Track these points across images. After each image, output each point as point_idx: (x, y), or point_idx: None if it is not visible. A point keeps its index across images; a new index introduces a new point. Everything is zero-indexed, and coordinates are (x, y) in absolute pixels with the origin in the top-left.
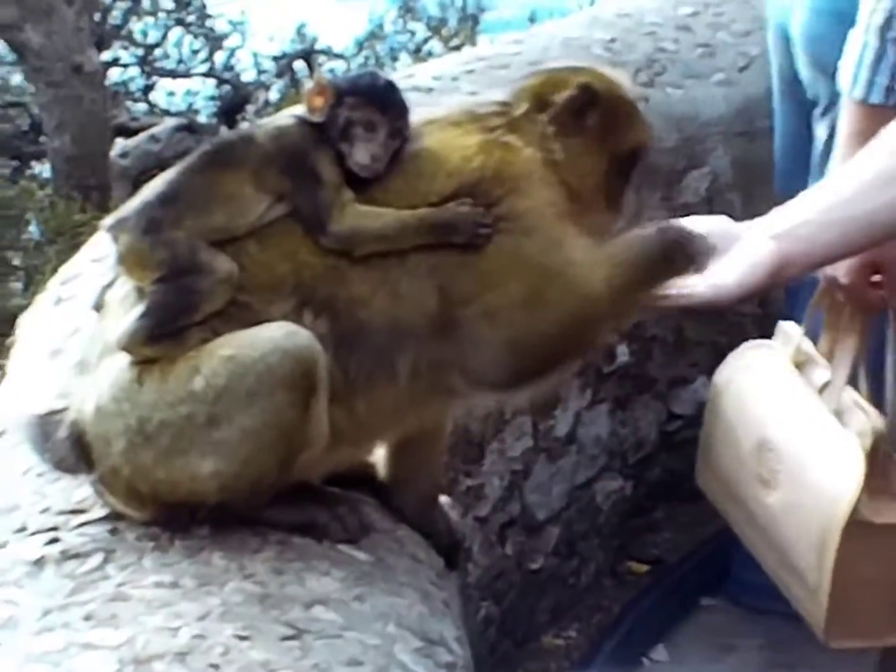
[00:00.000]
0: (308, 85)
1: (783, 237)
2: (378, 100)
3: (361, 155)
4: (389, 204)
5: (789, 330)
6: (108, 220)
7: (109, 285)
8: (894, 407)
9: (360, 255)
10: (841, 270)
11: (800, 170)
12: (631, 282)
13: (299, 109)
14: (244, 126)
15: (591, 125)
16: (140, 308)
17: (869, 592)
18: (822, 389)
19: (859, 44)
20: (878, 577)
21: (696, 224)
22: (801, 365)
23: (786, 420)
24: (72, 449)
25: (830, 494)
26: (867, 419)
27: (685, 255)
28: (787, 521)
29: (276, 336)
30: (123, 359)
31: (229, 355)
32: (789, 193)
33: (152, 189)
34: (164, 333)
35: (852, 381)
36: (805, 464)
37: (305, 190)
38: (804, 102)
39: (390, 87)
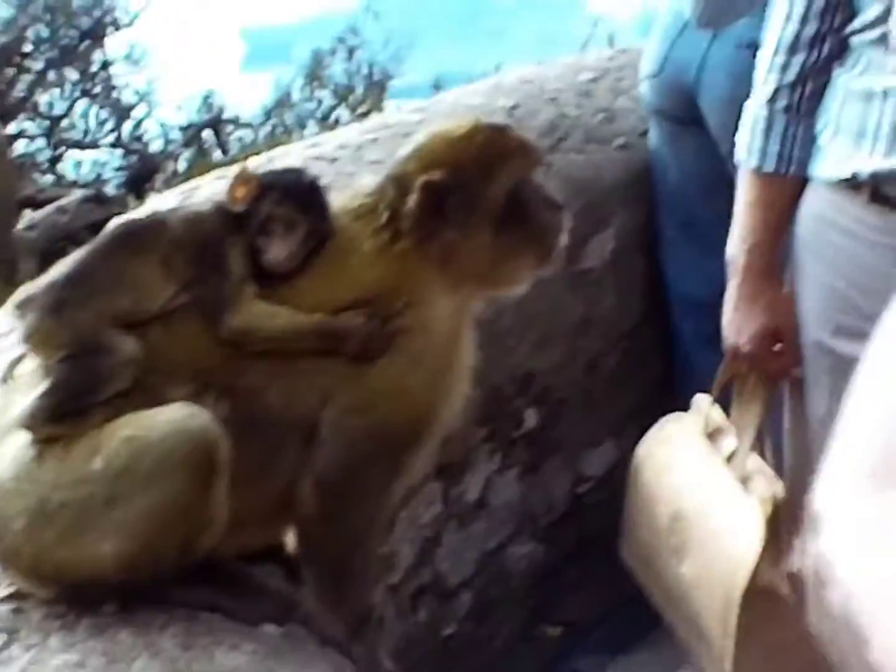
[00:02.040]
0: (232, 175)
1: None
2: (301, 199)
3: (277, 252)
4: (294, 303)
5: (701, 401)
6: (15, 297)
7: (18, 360)
8: (793, 473)
9: (266, 349)
10: (744, 339)
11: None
12: None
13: (211, 185)
14: (158, 204)
15: (454, 210)
16: (43, 386)
17: (774, 660)
18: (730, 457)
19: (752, 114)
20: (782, 643)
21: None
22: (712, 434)
23: (695, 490)
24: None
25: (733, 562)
26: (768, 485)
27: None
28: (697, 590)
29: (176, 417)
30: (25, 436)
31: (129, 436)
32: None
33: (61, 269)
34: (66, 412)
35: (758, 448)
36: (711, 532)
37: (210, 280)
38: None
39: (314, 187)
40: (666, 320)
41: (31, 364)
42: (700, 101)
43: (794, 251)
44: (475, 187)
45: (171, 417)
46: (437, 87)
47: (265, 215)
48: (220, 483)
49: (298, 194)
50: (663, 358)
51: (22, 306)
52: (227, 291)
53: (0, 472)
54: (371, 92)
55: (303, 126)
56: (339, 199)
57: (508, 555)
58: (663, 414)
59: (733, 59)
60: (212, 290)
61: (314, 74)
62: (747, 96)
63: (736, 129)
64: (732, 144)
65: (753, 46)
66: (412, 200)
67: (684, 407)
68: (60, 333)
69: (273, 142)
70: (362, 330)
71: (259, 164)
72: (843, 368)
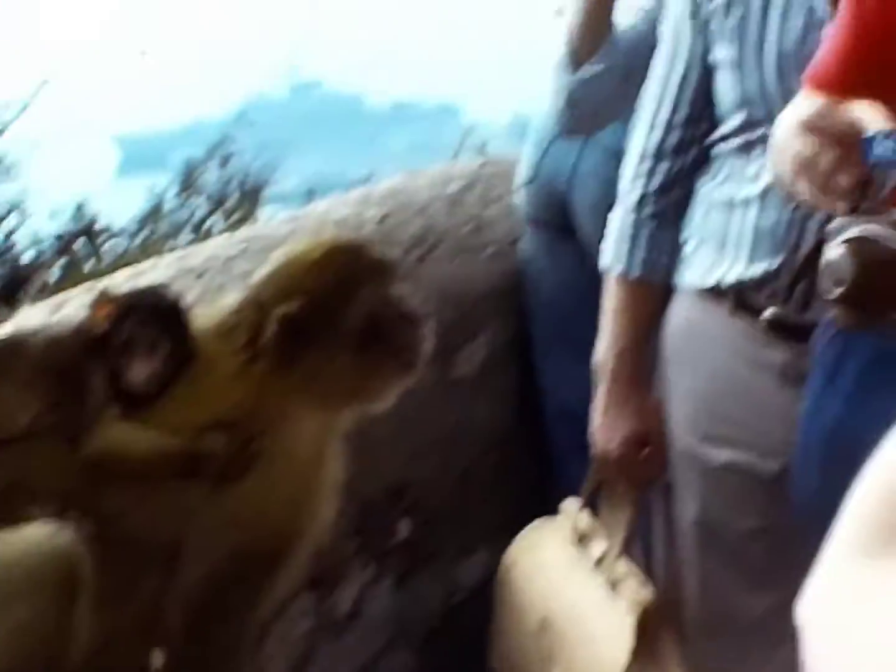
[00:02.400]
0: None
1: None
2: (162, 319)
3: (138, 373)
4: (157, 425)
5: (569, 506)
6: None
7: None
8: (663, 578)
9: (128, 471)
10: (612, 444)
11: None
12: None
13: (81, 297)
14: (27, 317)
15: (314, 336)
16: None
17: None
18: (599, 562)
19: (618, 221)
20: None
21: None
22: (581, 539)
23: (564, 595)
24: None
25: (603, 667)
26: (638, 589)
27: None
28: None
29: (36, 537)
30: None
31: None
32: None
33: None
34: None
35: (628, 553)
36: (581, 638)
37: (71, 403)
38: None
39: (176, 307)
40: (540, 428)
41: None
42: (573, 209)
43: (662, 357)
44: (334, 312)
45: (31, 536)
46: (310, 194)
47: (126, 337)
48: (81, 603)
49: (160, 315)
50: (538, 466)
51: None
52: (88, 414)
53: None
54: (245, 200)
55: (177, 234)
56: (201, 318)
57: (381, 667)
58: (535, 518)
59: (604, 165)
60: (72, 413)
61: (188, 182)
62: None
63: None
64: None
65: (623, 153)
66: (270, 331)
67: (553, 511)
68: None
69: (146, 250)
70: (223, 452)
71: (128, 276)
72: (711, 475)
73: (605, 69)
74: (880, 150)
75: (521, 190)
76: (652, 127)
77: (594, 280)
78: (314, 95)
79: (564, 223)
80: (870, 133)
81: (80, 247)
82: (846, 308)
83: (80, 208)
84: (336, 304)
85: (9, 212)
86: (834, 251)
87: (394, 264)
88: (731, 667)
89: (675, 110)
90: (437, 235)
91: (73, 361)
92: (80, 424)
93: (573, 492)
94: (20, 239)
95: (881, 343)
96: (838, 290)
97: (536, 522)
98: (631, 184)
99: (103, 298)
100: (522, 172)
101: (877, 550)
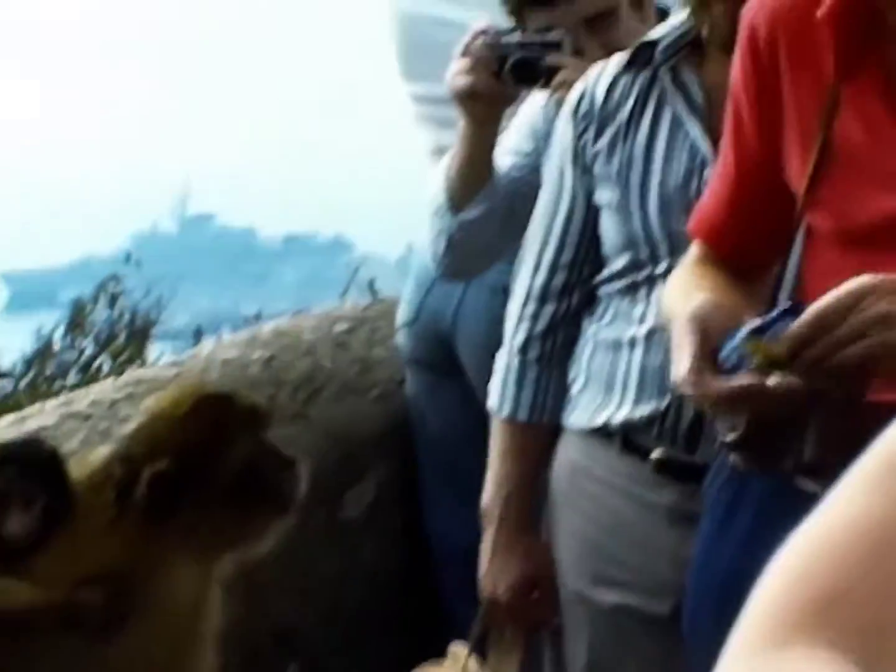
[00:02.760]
0: None
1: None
2: (39, 472)
3: (14, 526)
4: (34, 578)
5: (457, 650)
6: None
7: None
8: None
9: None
10: (501, 589)
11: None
12: None
13: None
14: None
15: (186, 491)
16: None
17: None
18: None
19: (504, 364)
20: None
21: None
22: None
23: None
24: None
25: None
26: None
27: None
28: None
29: None
30: None
31: None
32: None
33: None
34: None
35: None
36: None
37: None
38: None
39: (53, 459)
40: (429, 569)
41: None
42: (457, 348)
43: (550, 499)
44: (206, 465)
45: None
46: (199, 332)
47: (2, 489)
48: None
49: (37, 467)
50: (428, 607)
51: None
52: None
53: None
54: (133, 339)
55: (65, 375)
56: (77, 469)
57: None
58: (424, 660)
59: (489, 304)
60: None
61: (76, 322)
62: (502, 341)
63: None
64: (486, 392)
65: (508, 291)
66: (140, 491)
67: (442, 654)
68: None
69: (33, 392)
70: (99, 606)
71: (13, 421)
72: (602, 618)
73: (485, 212)
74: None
75: (404, 330)
76: (536, 268)
77: (480, 419)
78: (205, 229)
79: (448, 363)
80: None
81: None
82: (741, 452)
83: None
84: (207, 457)
85: None
86: None
87: (265, 410)
88: None
89: (559, 252)
90: (323, 377)
91: None
92: None
93: (462, 634)
94: None
95: (774, 485)
96: (732, 435)
97: (424, 666)
98: (516, 326)
99: None
100: (404, 313)
101: (781, 639)
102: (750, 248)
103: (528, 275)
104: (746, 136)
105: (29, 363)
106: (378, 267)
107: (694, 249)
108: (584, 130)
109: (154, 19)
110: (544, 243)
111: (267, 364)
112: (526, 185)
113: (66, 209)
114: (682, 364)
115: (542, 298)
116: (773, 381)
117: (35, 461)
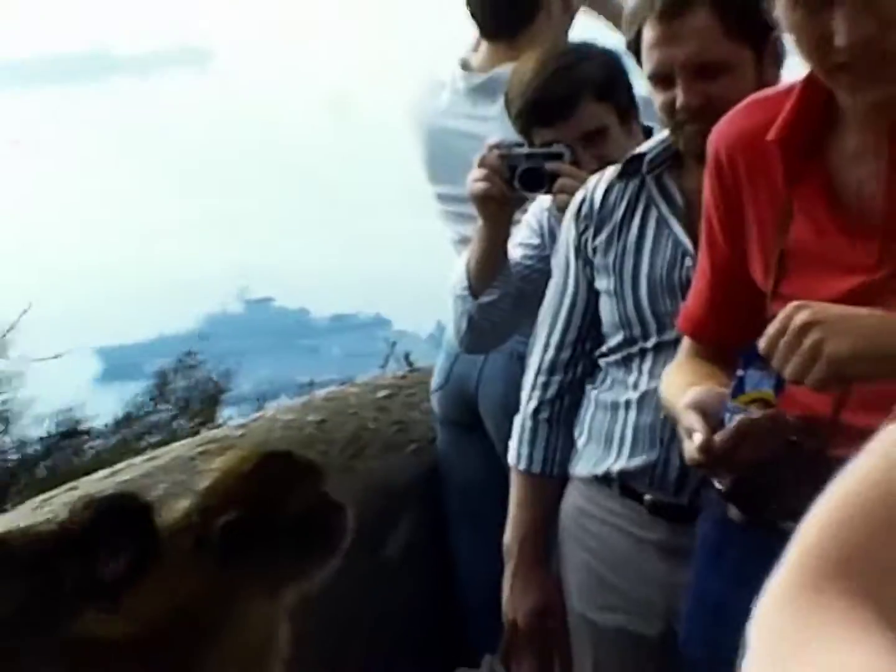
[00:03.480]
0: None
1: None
2: (131, 521)
3: (109, 570)
4: (126, 614)
5: (487, 661)
6: None
7: None
8: None
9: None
10: (519, 615)
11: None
12: None
13: (65, 496)
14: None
15: (255, 536)
16: None
17: None
18: None
19: (520, 425)
20: None
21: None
22: None
23: None
24: None
25: None
26: None
27: None
28: None
29: None
30: None
31: None
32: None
33: None
34: None
35: None
36: None
37: (49, 593)
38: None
39: (144, 510)
40: (459, 601)
41: None
42: (480, 409)
43: (560, 537)
44: (270, 514)
45: None
46: (261, 398)
47: (100, 537)
48: None
49: (129, 517)
50: (458, 633)
51: None
52: (66, 604)
53: None
54: (206, 404)
55: (149, 434)
56: (163, 519)
57: None
58: None
59: (506, 370)
60: (53, 603)
61: (159, 390)
62: (519, 402)
63: (510, 431)
64: (506, 447)
65: (523, 358)
66: (214, 538)
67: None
68: None
69: (122, 449)
70: (180, 637)
71: (106, 475)
72: (603, 638)
73: (500, 296)
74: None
75: (435, 395)
76: (546, 346)
77: (500, 470)
78: (265, 311)
79: (473, 421)
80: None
81: (65, 447)
82: (733, 502)
83: (65, 413)
84: (271, 507)
85: (3, 417)
86: None
87: (319, 465)
88: None
89: (565, 332)
90: (367, 435)
91: (51, 557)
92: (58, 613)
93: (488, 649)
94: (8, 441)
95: (758, 534)
96: (722, 486)
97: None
98: (529, 394)
99: (81, 503)
100: (436, 379)
101: (822, 585)
102: (728, 336)
103: (539, 351)
104: (718, 244)
105: (119, 424)
106: (412, 341)
107: (684, 344)
108: (585, 229)
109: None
110: (553, 324)
111: (319, 425)
112: (534, 272)
113: (149, 293)
114: (696, 438)
115: (551, 370)
116: (757, 413)
117: (128, 512)
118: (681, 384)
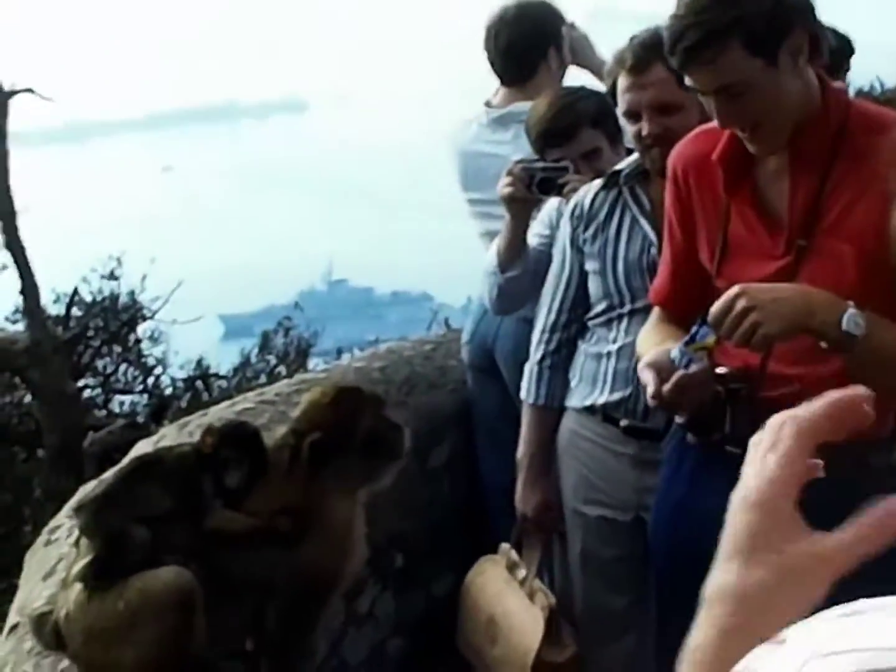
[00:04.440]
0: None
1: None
2: (246, 444)
3: (232, 480)
4: (247, 510)
5: (504, 546)
6: (75, 499)
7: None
8: (560, 591)
9: (229, 539)
10: (529, 508)
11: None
12: None
13: (197, 421)
14: (167, 434)
15: (334, 451)
16: (89, 557)
17: None
18: (522, 581)
19: (529, 370)
20: None
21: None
22: (510, 567)
23: (501, 602)
24: (52, 638)
25: (525, 647)
26: (546, 598)
27: None
28: (504, 665)
29: (169, 576)
30: (80, 585)
31: (140, 587)
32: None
33: (100, 485)
34: (101, 574)
35: (539, 575)
36: (512, 628)
37: (192, 497)
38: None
39: (256, 435)
40: (483, 499)
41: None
42: (496, 358)
43: (558, 453)
44: (344, 435)
45: (166, 576)
46: (339, 353)
47: (224, 455)
48: (198, 616)
49: (245, 441)
50: (483, 522)
51: (77, 510)
52: (204, 504)
53: (67, 607)
54: (299, 356)
55: (258, 378)
56: (269, 440)
57: (387, 647)
58: (482, 555)
59: (515, 330)
60: (194, 503)
61: (265, 344)
62: (525, 354)
63: (519, 376)
64: (516, 386)
65: (527, 321)
66: (305, 453)
67: (494, 551)
68: (97, 528)
69: (239, 389)
70: (287, 527)
71: (227, 405)
72: (589, 524)
73: (521, 272)
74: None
75: (465, 347)
76: (549, 311)
77: (511, 402)
78: (342, 288)
79: (491, 367)
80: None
81: (199, 386)
82: (688, 430)
83: (199, 361)
84: (345, 430)
85: (156, 364)
86: None
87: (381, 395)
88: (601, 645)
89: (563, 300)
90: (417, 378)
91: (192, 470)
92: (199, 510)
93: (506, 533)
94: (164, 381)
95: (709, 451)
96: (681, 420)
97: (483, 558)
98: (536, 347)
99: (209, 431)
100: (465, 335)
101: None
102: (686, 304)
103: (544, 315)
104: (676, 237)
105: (236, 371)
106: (450, 311)
107: (654, 312)
108: (577, 226)
109: (311, 165)
110: (553, 295)
111: (382, 370)
112: (545, 255)
113: (259, 276)
114: (649, 391)
115: (553, 329)
116: (695, 367)
117: (244, 436)
118: (649, 343)
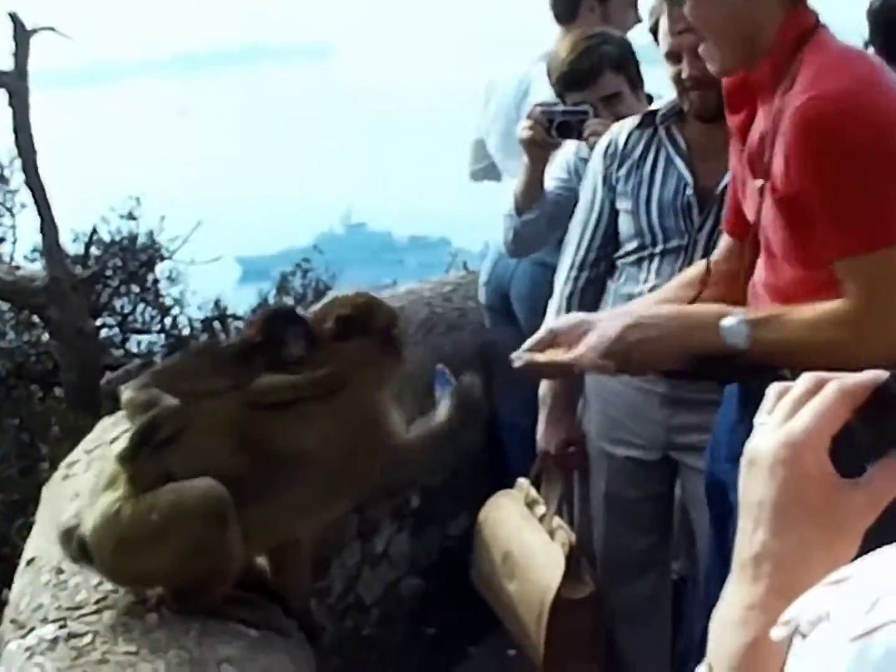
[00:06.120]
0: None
1: (634, 325)
2: (289, 321)
3: (288, 351)
4: (297, 374)
5: (522, 482)
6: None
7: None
8: (580, 529)
9: (270, 404)
10: (551, 445)
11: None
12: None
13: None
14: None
15: (355, 330)
16: (130, 432)
17: (569, 642)
18: (541, 518)
19: (556, 304)
20: (575, 631)
21: (554, 322)
22: (529, 504)
23: (519, 538)
24: (80, 551)
25: (544, 584)
26: (566, 535)
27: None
28: (521, 601)
29: (202, 487)
30: (109, 497)
31: (172, 498)
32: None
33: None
34: (139, 447)
35: (559, 512)
36: (530, 565)
37: (244, 374)
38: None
39: (294, 313)
40: (500, 439)
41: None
42: (511, 298)
43: (585, 392)
44: (365, 321)
45: (199, 487)
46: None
47: (280, 333)
48: (231, 528)
49: (293, 321)
50: (500, 462)
51: (126, 387)
52: (252, 372)
53: (94, 518)
54: (317, 299)
55: None
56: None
57: (402, 585)
58: None
59: (531, 272)
60: (245, 378)
61: (282, 288)
62: (539, 295)
63: (534, 318)
64: (531, 327)
65: (542, 264)
66: (331, 323)
67: (512, 486)
68: (140, 402)
69: None
70: (324, 385)
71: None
72: (615, 463)
73: (537, 215)
74: None
75: (482, 289)
76: (577, 248)
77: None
78: (361, 232)
79: (507, 309)
80: None
81: (217, 326)
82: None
83: (217, 303)
84: (366, 318)
85: (174, 305)
86: None
87: (391, 307)
88: (620, 584)
89: (592, 238)
90: (436, 319)
91: (241, 352)
92: (245, 379)
93: (522, 474)
94: (181, 321)
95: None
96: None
97: (500, 492)
98: (564, 283)
99: (254, 321)
100: (482, 277)
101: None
102: (741, 228)
103: (572, 252)
104: (735, 165)
105: (254, 312)
106: (468, 255)
107: (723, 239)
108: (611, 164)
109: (333, 111)
110: (582, 233)
111: (400, 310)
112: (562, 199)
113: (278, 219)
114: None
115: (581, 267)
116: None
117: (285, 315)
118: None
